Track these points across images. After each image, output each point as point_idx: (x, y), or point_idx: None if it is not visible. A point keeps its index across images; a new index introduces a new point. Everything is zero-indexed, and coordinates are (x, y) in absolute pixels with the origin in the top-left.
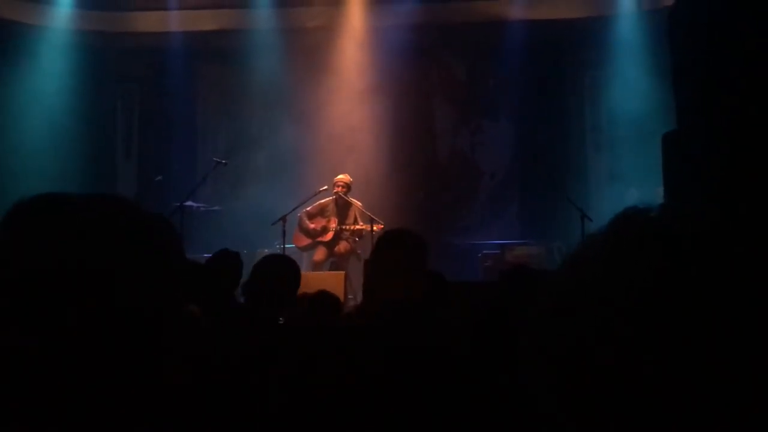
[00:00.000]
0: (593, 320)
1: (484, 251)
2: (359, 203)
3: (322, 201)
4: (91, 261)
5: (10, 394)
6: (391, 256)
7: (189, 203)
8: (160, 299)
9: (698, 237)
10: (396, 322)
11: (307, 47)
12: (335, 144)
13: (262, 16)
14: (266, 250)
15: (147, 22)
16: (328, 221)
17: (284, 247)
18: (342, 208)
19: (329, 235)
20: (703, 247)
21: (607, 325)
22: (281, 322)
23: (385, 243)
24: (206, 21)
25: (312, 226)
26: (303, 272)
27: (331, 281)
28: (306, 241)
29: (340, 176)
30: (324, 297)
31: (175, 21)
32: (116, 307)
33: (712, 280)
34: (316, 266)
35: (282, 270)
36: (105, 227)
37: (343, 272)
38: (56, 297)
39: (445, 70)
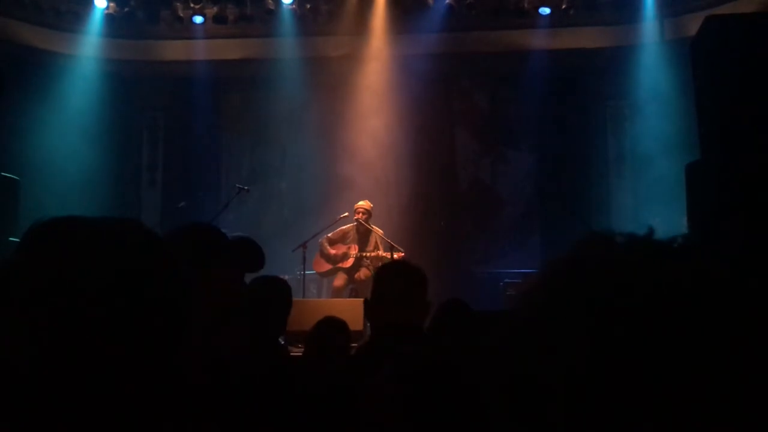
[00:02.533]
0: (551, 343)
1: (506, 280)
2: (380, 230)
3: (344, 227)
4: (104, 280)
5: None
6: (391, 287)
7: None
8: (171, 319)
9: (657, 267)
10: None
11: (331, 76)
12: (357, 171)
13: (287, 45)
14: (287, 276)
15: (172, 51)
16: (349, 248)
17: (304, 273)
18: (363, 234)
19: (349, 262)
20: (663, 276)
21: (553, 353)
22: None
23: (384, 274)
24: (231, 50)
25: (332, 251)
26: (323, 299)
27: (351, 308)
28: (326, 266)
29: (361, 203)
30: (330, 322)
31: (200, 50)
32: (128, 326)
33: (665, 308)
34: (336, 292)
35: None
36: (118, 248)
37: (362, 299)
38: (68, 315)
39: (467, 99)
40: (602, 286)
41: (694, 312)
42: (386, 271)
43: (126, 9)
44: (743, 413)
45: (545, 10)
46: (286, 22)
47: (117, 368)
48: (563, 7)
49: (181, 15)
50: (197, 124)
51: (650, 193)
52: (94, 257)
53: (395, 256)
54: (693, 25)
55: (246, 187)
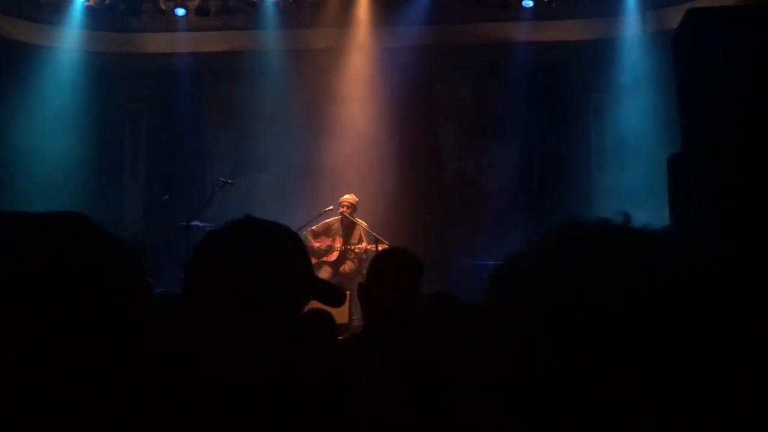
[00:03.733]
0: (517, 336)
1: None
2: (365, 223)
3: (328, 220)
4: (48, 275)
5: None
6: (387, 275)
7: (195, 223)
8: (117, 313)
9: (628, 251)
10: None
11: (315, 68)
12: (342, 164)
13: (271, 38)
14: None
15: (155, 43)
16: (333, 241)
17: None
18: (347, 227)
19: (334, 255)
20: (632, 261)
21: (529, 338)
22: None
23: (382, 260)
24: (214, 42)
25: (317, 245)
26: None
27: None
28: (311, 261)
29: (346, 196)
30: (316, 315)
31: (183, 42)
32: (74, 320)
33: (637, 292)
34: None
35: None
36: (63, 244)
37: (347, 293)
38: (12, 310)
39: (451, 91)
40: (574, 273)
41: (670, 298)
42: (384, 257)
43: (107, 1)
44: (732, 407)
45: (528, 3)
46: (269, 15)
47: (56, 363)
48: None
49: (163, 7)
50: (180, 116)
51: (632, 183)
52: (32, 251)
53: (380, 248)
54: (674, 17)
55: (230, 180)
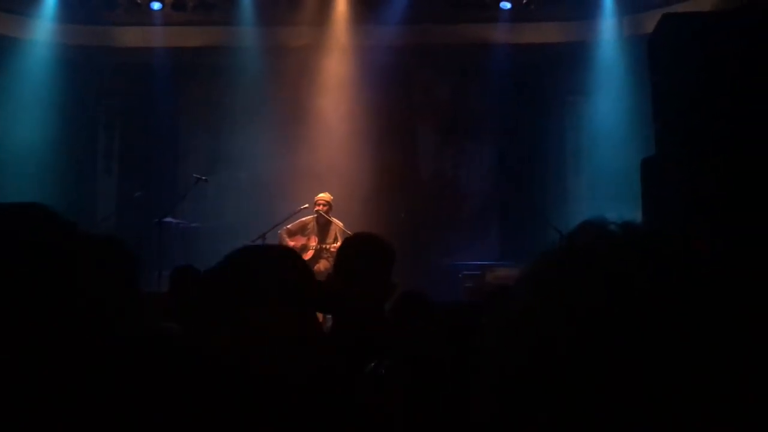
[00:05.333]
0: (545, 334)
1: (465, 272)
2: (340, 222)
3: (303, 219)
4: (9, 266)
5: None
6: (354, 262)
7: (168, 220)
8: (79, 304)
9: (652, 254)
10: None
11: (292, 66)
12: (318, 162)
13: (247, 34)
14: None
15: (131, 37)
16: (308, 240)
17: None
18: (323, 226)
19: (309, 254)
20: (656, 264)
21: (558, 338)
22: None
23: (350, 247)
24: (190, 38)
25: (291, 244)
26: None
27: None
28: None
29: (322, 195)
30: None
31: (159, 37)
32: (33, 312)
33: (662, 295)
34: None
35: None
36: (22, 235)
37: None
38: None
39: (428, 91)
40: (598, 275)
41: (700, 302)
42: (353, 244)
43: None
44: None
45: (506, 5)
46: (247, 11)
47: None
48: (524, 1)
49: (139, 1)
50: (155, 112)
51: (607, 185)
52: None
53: None
54: (650, 22)
55: (204, 177)
